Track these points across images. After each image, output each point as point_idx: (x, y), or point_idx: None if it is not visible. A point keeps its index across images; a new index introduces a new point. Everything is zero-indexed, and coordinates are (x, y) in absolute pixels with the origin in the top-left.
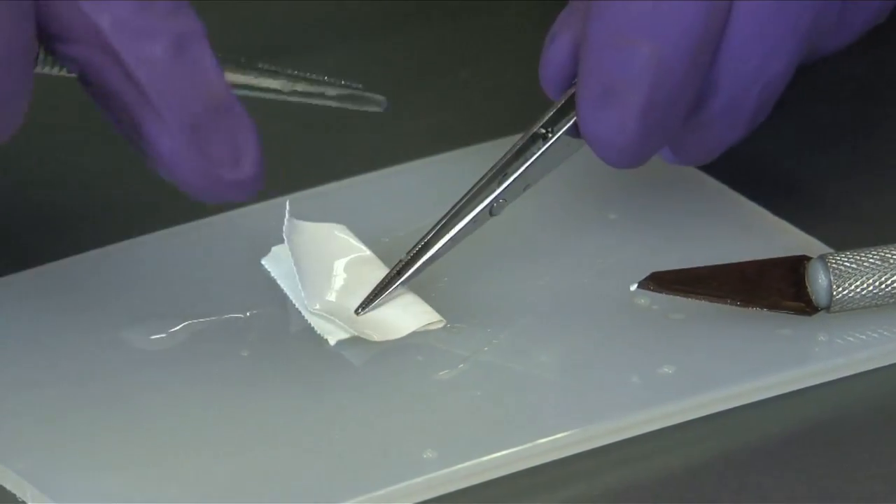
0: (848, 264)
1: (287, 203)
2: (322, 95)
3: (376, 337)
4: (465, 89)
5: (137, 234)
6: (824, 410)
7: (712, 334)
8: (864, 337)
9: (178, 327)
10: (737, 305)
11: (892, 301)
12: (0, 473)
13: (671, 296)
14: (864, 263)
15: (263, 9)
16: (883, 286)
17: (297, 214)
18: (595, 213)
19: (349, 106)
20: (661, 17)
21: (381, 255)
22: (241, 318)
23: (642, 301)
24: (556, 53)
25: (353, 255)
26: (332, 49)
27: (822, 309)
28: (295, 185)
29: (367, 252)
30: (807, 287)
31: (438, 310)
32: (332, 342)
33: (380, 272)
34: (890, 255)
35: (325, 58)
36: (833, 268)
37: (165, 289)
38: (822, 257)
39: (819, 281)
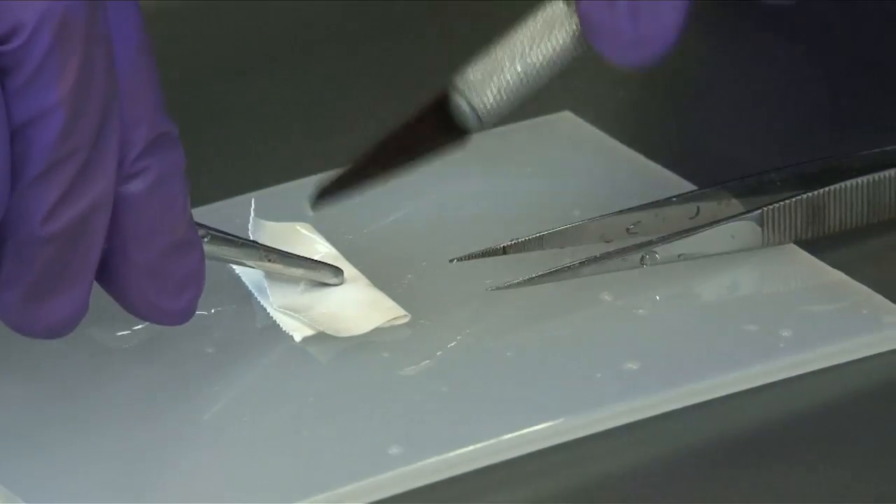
0: (479, 76)
1: (252, 200)
2: (289, 268)
3: (341, 333)
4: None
5: None
6: (788, 406)
7: (676, 330)
8: (828, 332)
9: (143, 324)
10: (395, 173)
11: (537, 78)
12: None
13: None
14: (496, 68)
15: (263, 13)
16: (520, 73)
17: (262, 211)
18: (559, 210)
19: (314, 278)
20: None
21: (346, 252)
22: (205, 315)
23: (607, 297)
24: None
25: (317, 253)
26: (334, 51)
27: (478, 130)
28: (257, 184)
29: (332, 249)
30: (454, 118)
31: (403, 306)
32: (297, 339)
33: (345, 269)
34: (514, 51)
35: (328, 60)
36: (468, 86)
37: None
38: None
39: (461, 106)
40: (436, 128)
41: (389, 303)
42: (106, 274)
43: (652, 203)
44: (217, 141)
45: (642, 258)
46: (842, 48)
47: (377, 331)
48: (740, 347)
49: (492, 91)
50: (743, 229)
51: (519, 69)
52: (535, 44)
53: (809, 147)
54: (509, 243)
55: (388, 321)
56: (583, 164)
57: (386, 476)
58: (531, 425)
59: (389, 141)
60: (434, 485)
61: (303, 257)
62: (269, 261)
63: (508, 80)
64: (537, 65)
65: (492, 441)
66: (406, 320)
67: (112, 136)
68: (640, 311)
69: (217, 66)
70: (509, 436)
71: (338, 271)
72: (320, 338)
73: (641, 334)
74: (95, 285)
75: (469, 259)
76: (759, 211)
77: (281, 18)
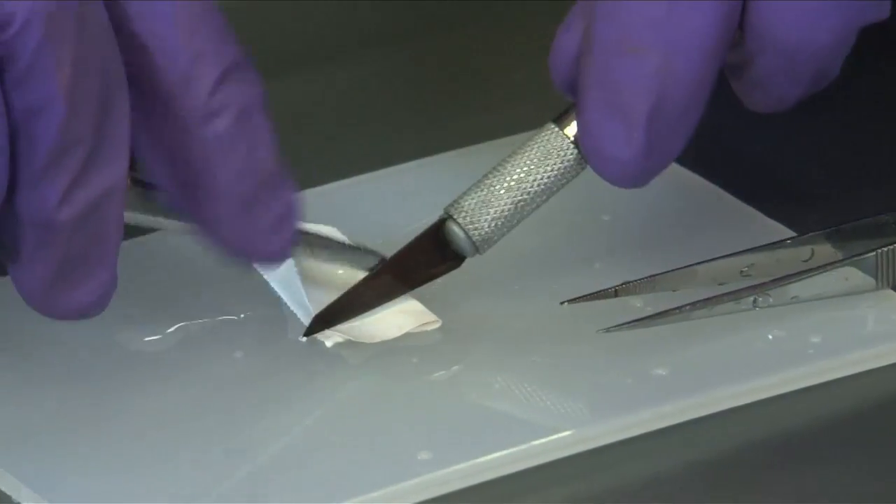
0: (474, 204)
1: None
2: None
3: (372, 339)
4: (488, 91)
5: (133, 236)
6: (818, 411)
7: (705, 336)
8: (857, 338)
9: (172, 329)
10: (393, 297)
11: (532, 204)
12: None
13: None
14: (491, 197)
15: (307, 12)
16: (516, 201)
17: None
18: (588, 215)
19: (352, 266)
20: (673, 24)
21: None
22: (235, 319)
23: (637, 303)
24: (568, 44)
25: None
26: (372, 52)
27: (473, 255)
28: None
29: None
30: (450, 245)
31: (433, 311)
32: (328, 344)
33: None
34: (510, 180)
35: (352, 64)
36: (463, 214)
37: (160, 291)
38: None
39: (457, 234)
40: (432, 255)
41: (420, 308)
42: (202, 221)
43: (766, 245)
44: None
45: (755, 301)
46: None
47: (407, 336)
48: (769, 353)
49: (487, 219)
50: (856, 272)
51: (515, 197)
52: (531, 171)
53: (836, 152)
54: (620, 286)
55: (419, 326)
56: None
57: (415, 482)
58: (560, 431)
59: (386, 269)
60: (463, 490)
61: (341, 246)
62: (313, 254)
63: (504, 208)
64: (533, 192)
65: (521, 447)
66: (437, 325)
67: (121, 120)
68: None
69: (259, 67)
70: (538, 441)
71: (374, 256)
72: (350, 343)
73: (670, 340)
74: (125, 286)
75: (578, 301)
76: (874, 253)
77: (322, 18)
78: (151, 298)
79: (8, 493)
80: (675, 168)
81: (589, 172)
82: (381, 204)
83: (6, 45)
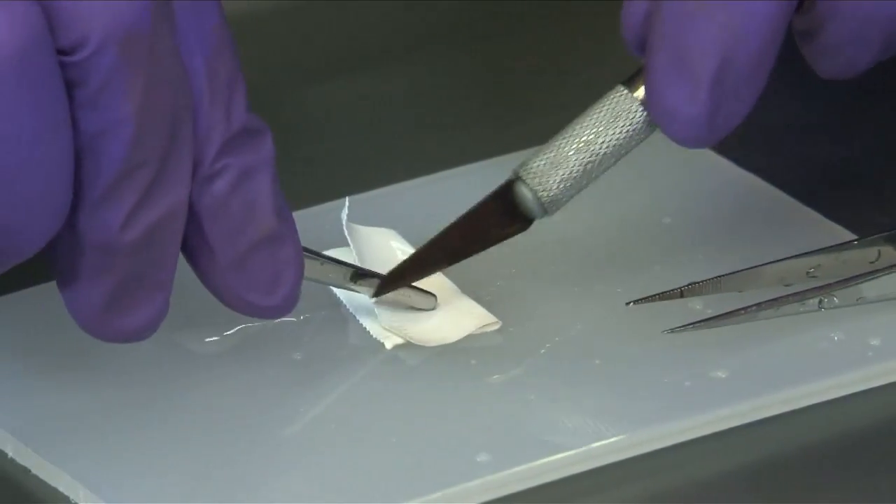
0: (543, 166)
1: (346, 201)
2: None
3: (432, 343)
4: (534, 97)
5: None
6: (877, 414)
7: (764, 338)
8: None
9: (231, 331)
10: (461, 258)
11: (601, 166)
12: (53, 475)
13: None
14: (560, 158)
15: (361, 14)
16: (585, 162)
17: (352, 217)
18: (649, 217)
19: (404, 303)
20: None
21: None
22: (294, 321)
23: (697, 306)
24: (638, 4)
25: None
26: (421, 57)
27: (542, 217)
28: (350, 189)
29: None
30: (519, 207)
31: (492, 312)
32: (388, 346)
33: (435, 277)
34: (579, 141)
35: (415, 65)
36: (532, 175)
37: None
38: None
39: (526, 195)
40: (501, 216)
41: (480, 310)
42: (199, 273)
43: (833, 247)
44: (313, 144)
45: (821, 302)
46: None
47: (466, 337)
48: (828, 356)
49: (556, 180)
50: None
51: (584, 158)
52: (600, 133)
53: None
54: (685, 287)
55: (480, 328)
56: (670, 170)
57: (473, 483)
58: (619, 434)
59: (455, 229)
60: (522, 493)
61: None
62: (354, 282)
63: (573, 170)
64: (601, 154)
65: (580, 449)
66: (497, 327)
67: (185, 145)
68: None
69: (315, 69)
70: (597, 444)
71: (429, 297)
72: (409, 345)
73: (729, 343)
74: (185, 288)
75: (644, 302)
76: None
77: (377, 20)
78: (211, 299)
79: (66, 493)
80: (735, 171)
81: (652, 172)
82: (443, 206)
83: (79, 66)
